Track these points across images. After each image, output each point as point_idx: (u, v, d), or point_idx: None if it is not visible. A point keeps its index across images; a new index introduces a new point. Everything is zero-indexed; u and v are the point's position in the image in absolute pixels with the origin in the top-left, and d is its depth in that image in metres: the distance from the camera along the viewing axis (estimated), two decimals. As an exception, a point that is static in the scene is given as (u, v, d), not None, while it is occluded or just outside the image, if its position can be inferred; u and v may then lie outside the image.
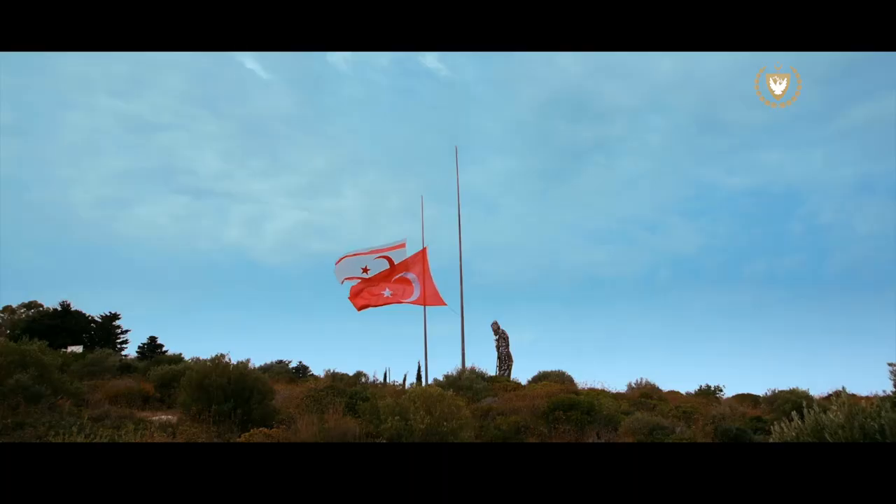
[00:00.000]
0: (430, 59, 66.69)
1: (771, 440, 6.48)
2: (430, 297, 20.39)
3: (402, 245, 20.95)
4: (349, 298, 20.36)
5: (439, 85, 70.15)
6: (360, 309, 20.38)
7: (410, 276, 20.64)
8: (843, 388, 6.45)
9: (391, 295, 20.43)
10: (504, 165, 67.67)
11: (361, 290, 20.42)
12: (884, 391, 7.19)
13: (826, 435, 5.75)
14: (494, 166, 65.97)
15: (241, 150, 69.38)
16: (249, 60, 64.20)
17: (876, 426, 5.49)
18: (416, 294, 20.43)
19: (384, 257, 20.74)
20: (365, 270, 20.45)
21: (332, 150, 70.53)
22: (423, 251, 20.87)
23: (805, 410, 6.16)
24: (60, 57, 55.72)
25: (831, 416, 5.89)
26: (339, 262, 20.59)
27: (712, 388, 21.59)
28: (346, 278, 20.52)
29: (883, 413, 5.49)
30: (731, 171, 64.96)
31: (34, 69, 62.46)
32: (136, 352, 31.11)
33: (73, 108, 63.23)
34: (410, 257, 20.82)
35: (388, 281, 20.57)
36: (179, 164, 67.16)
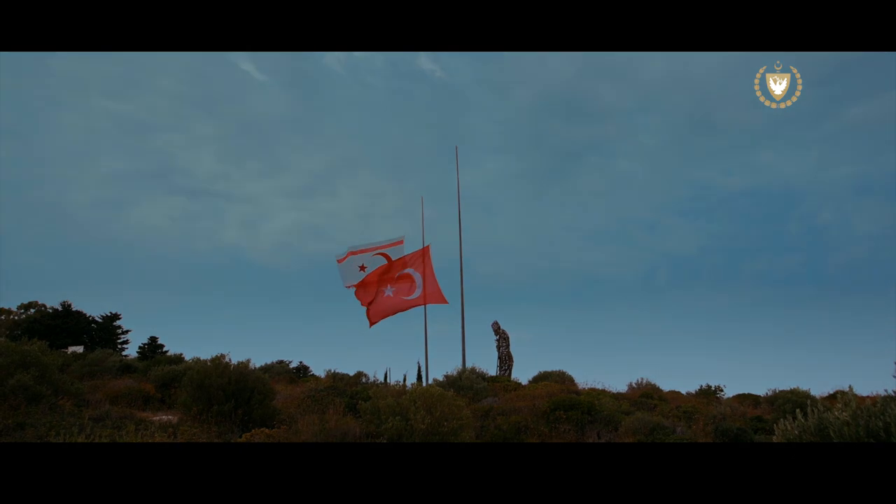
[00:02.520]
0: (425, 61, 66.84)
1: (773, 439, 6.48)
2: (431, 295, 20.35)
3: (401, 242, 20.91)
4: (364, 306, 20.30)
5: (434, 86, 70.30)
6: (371, 325, 20.29)
7: (411, 272, 20.60)
8: (850, 386, 6.43)
9: (393, 293, 20.38)
10: (500, 166, 67.82)
11: (365, 298, 20.34)
12: (885, 390, 7.16)
13: (831, 433, 5.75)
14: (491, 167, 66.11)
15: (237, 152, 69.52)
16: (244, 62, 64.30)
17: (881, 424, 5.47)
18: (418, 292, 20.39)
19: (381, 254, 20.70)
20: (362, 268, 20.40)
21: (327, 151, 70.71)
22: (426, 249, 20.85)
23: (809, 409, 6.15)
24: (55, 58, 55.86)
25: (836, 413, 5.88)
26: (341, 261, 20.52)
27: (712, 388, 21.59)
28: (350, 285, 20.43)
29: (888, 411, 5.47)
30: (728, 171, 65.10)
31: (29, 70, 62.63)
32: (137, 352, 31.12)
33: (69, 110, 63.37)
34: (410, 255, 20.78)
35: (390, 279, 20.53)
36: (176, 166, 67.31)
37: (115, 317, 35.73)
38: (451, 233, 21.47)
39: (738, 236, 63.76)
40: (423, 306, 20.48)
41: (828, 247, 60.01)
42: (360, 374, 23.12)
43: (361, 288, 20.32)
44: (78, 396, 14.02)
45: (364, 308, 20.36)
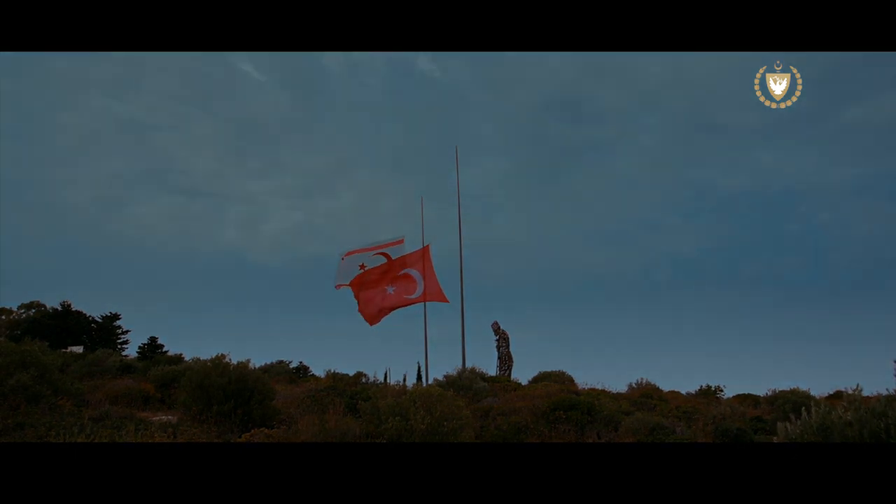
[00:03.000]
0: (424, 61, 66.82)
1: (775, 439, 6.47)
2: (432, 294, 20.29)
3: (401, 241, 20.86)
4: (361, 304, 20.13)
5: (433, 87, 70.29)
6: (373, 324, 20.14)
7: (412, 272, 20.55)
8: (859, 385, 6.40)
9: (394, 292, 20.30)
10: (500, 166, 67.82)
11: (364, 296, 20.22)
12: (887, 390, 7.15)
13: (834, 434, 5.74)
14: (490, 168, 66.13)
15: (236, 152, 69.53)
16: (244, 62, 64.30)
17: (882, 425, 5.47)
18: (419, 290, 20.32)
19: (382, 254, 20.64)
20: (362, 267, 20.33)
21: (327, 151, 70.68)
22: (426, 248, 20.82)
23: (813, 409, 6.15)
24: (54, 58, 55.90)
25: (840, 412, 5.88)
26: (344, 257, 20.44)
27: (712, 388, 21.58)
28: (344, 284, 20.26)
29: (890, 412, 5.47)
30: (728, 171, 65.09)
31: (28, 70, 62.72)
32: (137, 352, 31.11)
33: (69, 110, 63.39)
34: (410, 254, 20.73)
35: (391, 278, 20.46)
36: (175, 165, 67.32)
37: (115, 317, 35.74)
38: (451, 233, 21.46)
39: (738, 236, 63.85)
40: (423, 307, 20.45)
41: (828, 247, 60.07)
42: (360, 374, 23.13)
43: (360, 286, 20.23)
44: (78, 396, 14.02)
45: (364, 311, 20.24)
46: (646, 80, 64.66)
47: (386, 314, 20.31)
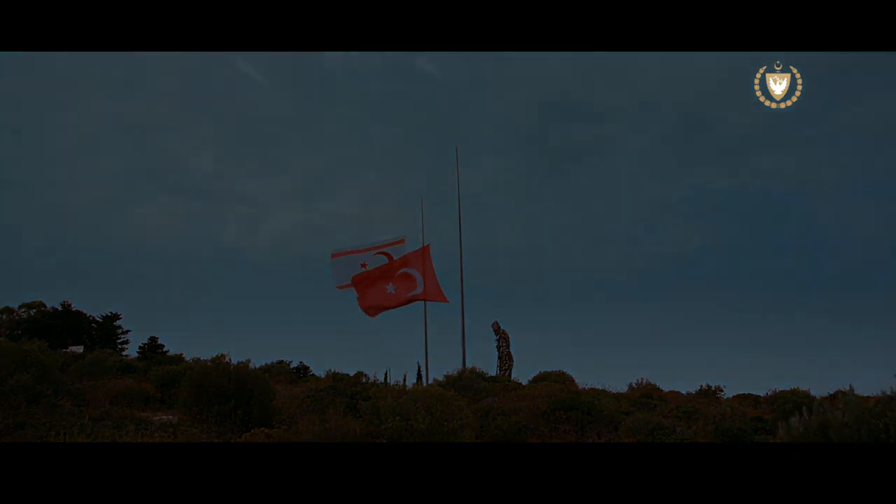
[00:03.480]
0: (423, 61, 66.59)
1: (777, 437, 6.48)
2: (431, 294, 20.27)
3: (402, 241, 20.83)
4: (359, 305, 20.04)
5: (433, 86, 70.07)
6: (373, 316, 20.08)
7: (412, 271, 20.53)
8: (851, 386, 6.43)
9: (395, 290, 20.25)
10: (500, 166, 67.63)
11: (365, 291, 20.18)
12: (891, 388, 7.16)
13: (831, 434, 5.75)
14: (490, 167, 65.96)
15: (236, 152, 69.39)
16: (244, 62, 64.22)
17: (881, 426, 5.47)
18: (419, 289, 20.29)
19: (383, 253, 20.61)
20: (363, 266, 20.28)
21: (327, 151, 70.53)
22: (426, 248, 20.80)
23: (815, 408, 6.16)
24: (54, 58, 55.83)
25: (838, 414, 5.88)
26: (334, 256, 20.36)
27: (712, 388, 21.55)
28: (343, 286, 20.17)
29: (888, 413, 5.47)
30: (728, 171, 64.97)
31: (28, 70, 62.60)
32: (137, 352, 31.07)
33: (68, 109, 63.29)
34: (410, 254, 20.70)
35: (391, 277, 20.44)
36: (175, 165, 67.19)
37: (115, 317, 35.71)
38: (451, 233, 21.45)
39: (738, 236, 63.69)
40: (423, 307, 20.46)
41: (827, 247, 60.00)
42: (360, 375, 23.07)
43: (361, 283, 20.18)
44: (78, 396, 14.01)
45: (363, 303, 20.18)
46: (646, 80, 64.56)
47: (381, 311, 20.29)
